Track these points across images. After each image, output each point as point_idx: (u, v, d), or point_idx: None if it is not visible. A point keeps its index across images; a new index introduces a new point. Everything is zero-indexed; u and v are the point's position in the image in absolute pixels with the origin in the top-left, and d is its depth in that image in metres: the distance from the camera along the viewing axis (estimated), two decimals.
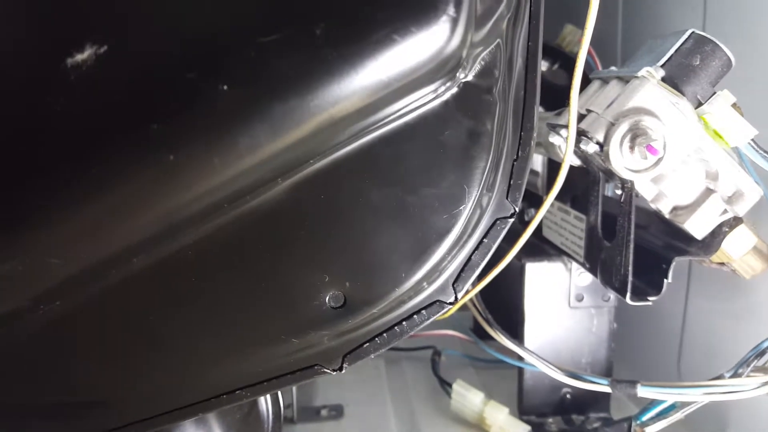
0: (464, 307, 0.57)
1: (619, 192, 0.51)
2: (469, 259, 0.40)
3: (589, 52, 0.62)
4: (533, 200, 0.72)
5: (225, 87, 0.33)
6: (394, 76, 0.34)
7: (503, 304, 0.64)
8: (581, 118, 0.49)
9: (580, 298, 0.67)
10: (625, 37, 0.80)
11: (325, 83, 0.33)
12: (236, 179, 0.35)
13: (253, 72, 0.33)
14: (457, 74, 0.37)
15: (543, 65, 0.73)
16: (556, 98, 0.57)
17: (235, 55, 0.33)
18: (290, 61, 0.33)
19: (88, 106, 0.34)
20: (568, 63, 0.74)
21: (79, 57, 0.33)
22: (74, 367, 0.40)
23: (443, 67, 0.35)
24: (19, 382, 0.40)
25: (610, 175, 0.50)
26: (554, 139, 0.51)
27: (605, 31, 0.82)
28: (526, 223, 0.45)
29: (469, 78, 0.38)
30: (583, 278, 0.67)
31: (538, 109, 0.40)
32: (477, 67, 0.37)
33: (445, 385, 0.77)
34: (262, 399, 0.53)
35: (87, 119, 0.34)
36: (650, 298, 0.51)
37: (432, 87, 0.36)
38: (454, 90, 0.37)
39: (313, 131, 0.34)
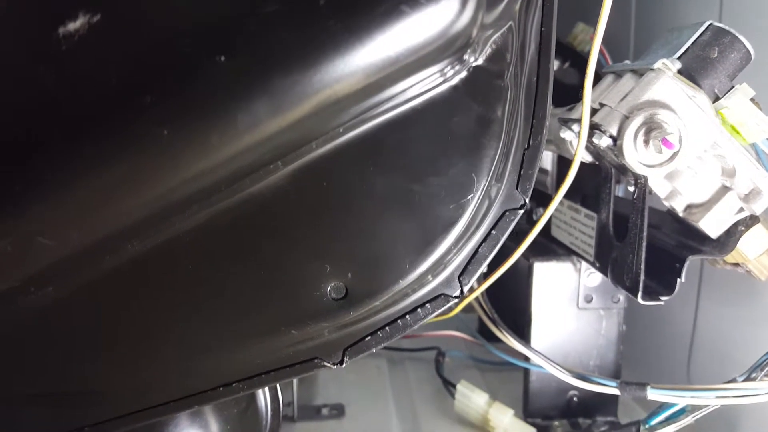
0: (469, 308, 0.56)
1: (631, 189, 0.50)
2: (476, 251, 0.39)
3: (600, 50, 0.61)
4: (542, 199, 0.71)
5: (223, 59, 0.32)
6: (401, 51, 0.32)
7: (510, 304, 0.63)
8: (594, 112, 0.48)
9: (589, 299, 0.66)
10: (638, 32, 0.79)
11: (329, 57, 0.32)
12: (235, 158, 0.33)
13: (254, 44, 0.32)
14: (466, 56, 0.36)
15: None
16: (567, 97, 0.56)
17: (235, 25, 0.32)
18: (292, 32, 0.32)
19: (79, 78, 0.33)
20: (580, 62, 0.72)
21: (72, 26, 0.32)
22: (66, 356, 0.39)
23: (452, 45, 0.34)
24: (9, 370, 0.39)
25: (623, 170, 0.49)
26: (565, 134, 0.49)
27: (618, 26, 0.81)
28: (535, 222, 0.44)
29: (480, 62, 0.36)
30: (593, 279, 0.66)
31: (551, 97, 0.38)
32: (488, 50, 0.36)
33: (449, 386, 0.76)
34: (260, 394, 0.52)
35: (78, 92, 0.33)
36: (662, 298, 0.50)
37: (439, 67, 0.35)
38: (464, 74, 0.36)
39: (315, 108, 0.33)
